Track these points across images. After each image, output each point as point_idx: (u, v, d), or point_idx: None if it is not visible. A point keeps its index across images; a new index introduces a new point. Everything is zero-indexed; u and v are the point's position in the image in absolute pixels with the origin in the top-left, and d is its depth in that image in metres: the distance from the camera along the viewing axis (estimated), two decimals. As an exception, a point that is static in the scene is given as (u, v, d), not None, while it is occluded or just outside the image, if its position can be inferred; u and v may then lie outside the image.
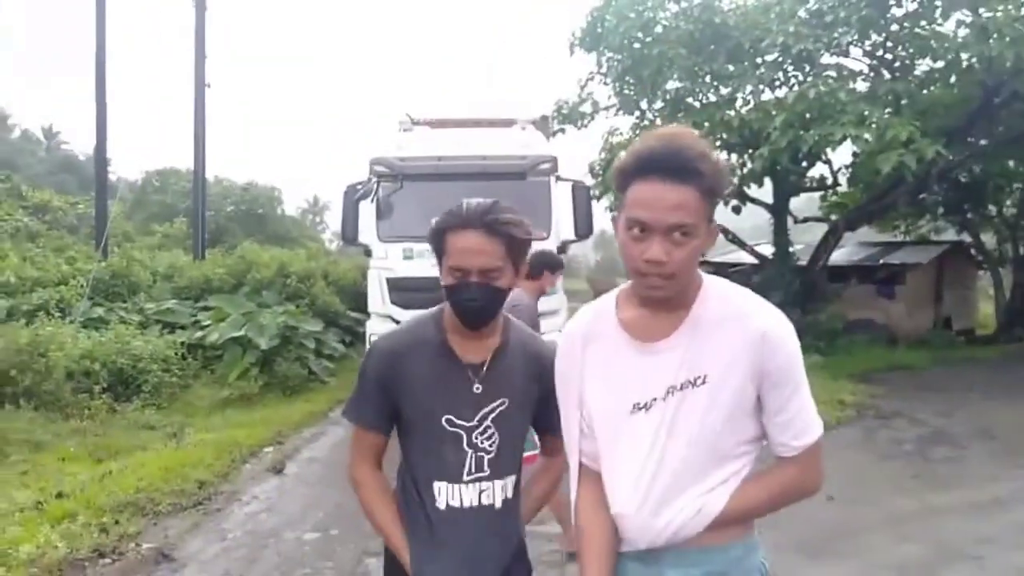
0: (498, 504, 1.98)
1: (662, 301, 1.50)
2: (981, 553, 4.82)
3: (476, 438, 1.92)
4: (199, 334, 11.63)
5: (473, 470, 1.94)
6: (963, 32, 10.64)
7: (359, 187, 9.09)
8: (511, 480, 2.01)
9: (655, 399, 1.52)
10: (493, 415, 1.93)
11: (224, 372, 10.99)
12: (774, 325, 1.50)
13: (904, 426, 8.25)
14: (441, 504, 1.95)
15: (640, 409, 1.53)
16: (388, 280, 8.92)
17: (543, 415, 2.02)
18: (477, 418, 1.92)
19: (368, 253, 9.29)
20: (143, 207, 30.96)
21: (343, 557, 4.97)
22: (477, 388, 1.93)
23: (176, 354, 10.72)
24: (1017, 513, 5.57)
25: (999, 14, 9.98)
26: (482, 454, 1.94)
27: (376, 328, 9.02)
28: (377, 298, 9.03)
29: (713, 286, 1.56)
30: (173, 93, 15.89)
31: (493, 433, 1.94)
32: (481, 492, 1.96)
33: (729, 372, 1.48)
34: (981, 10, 10.04)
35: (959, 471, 6.71)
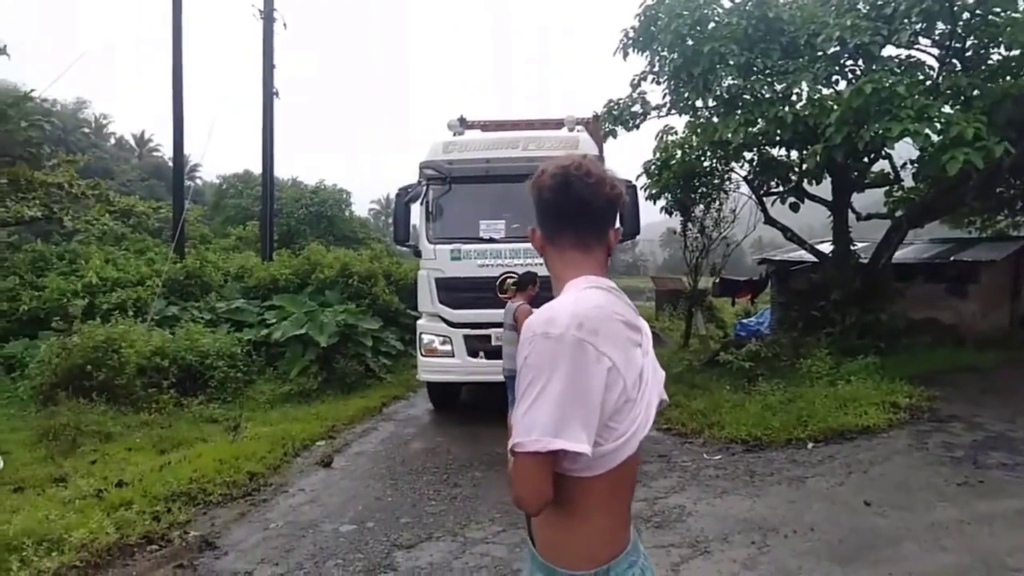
0: None
1: None
2: (1021, 565, 4.66)
3: None
4: (264, 332, 12.12)
5: None
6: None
7: (409, 189, 9.34)
8: None
9: None
10: None
11: (286, 368, 11.46)
12: (528, 326, 1.56)
13: (960, 431, 7.89)
14: None
15: None
16: (437, 280, 9.15)
17: None
18: None
19: (418, 254, 9.54)
20: (221, 211, 32.14)
21: (374, 549, 5.19)
22: None
23: (242, 351, 11.24)
24: (1068, 524, 5.32)
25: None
26: None
27: (427, 327, 9.27)
28: (427, 298, 9.26)
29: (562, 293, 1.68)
30: (255, 100, 16.59)
31: None
32: None
33: None
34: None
35: (1013, 479, 6.40)
